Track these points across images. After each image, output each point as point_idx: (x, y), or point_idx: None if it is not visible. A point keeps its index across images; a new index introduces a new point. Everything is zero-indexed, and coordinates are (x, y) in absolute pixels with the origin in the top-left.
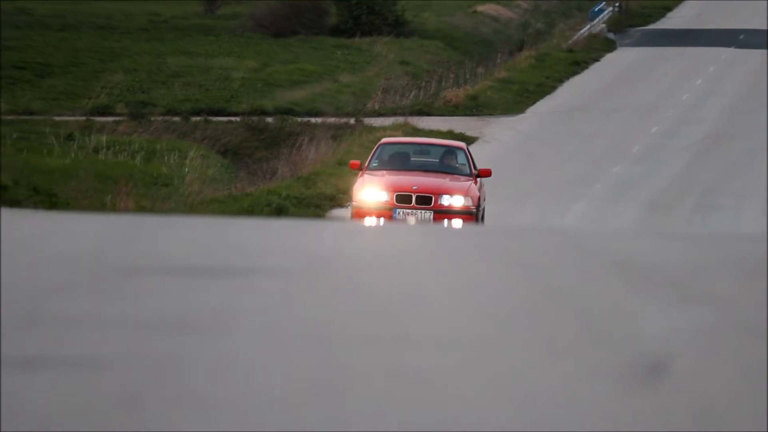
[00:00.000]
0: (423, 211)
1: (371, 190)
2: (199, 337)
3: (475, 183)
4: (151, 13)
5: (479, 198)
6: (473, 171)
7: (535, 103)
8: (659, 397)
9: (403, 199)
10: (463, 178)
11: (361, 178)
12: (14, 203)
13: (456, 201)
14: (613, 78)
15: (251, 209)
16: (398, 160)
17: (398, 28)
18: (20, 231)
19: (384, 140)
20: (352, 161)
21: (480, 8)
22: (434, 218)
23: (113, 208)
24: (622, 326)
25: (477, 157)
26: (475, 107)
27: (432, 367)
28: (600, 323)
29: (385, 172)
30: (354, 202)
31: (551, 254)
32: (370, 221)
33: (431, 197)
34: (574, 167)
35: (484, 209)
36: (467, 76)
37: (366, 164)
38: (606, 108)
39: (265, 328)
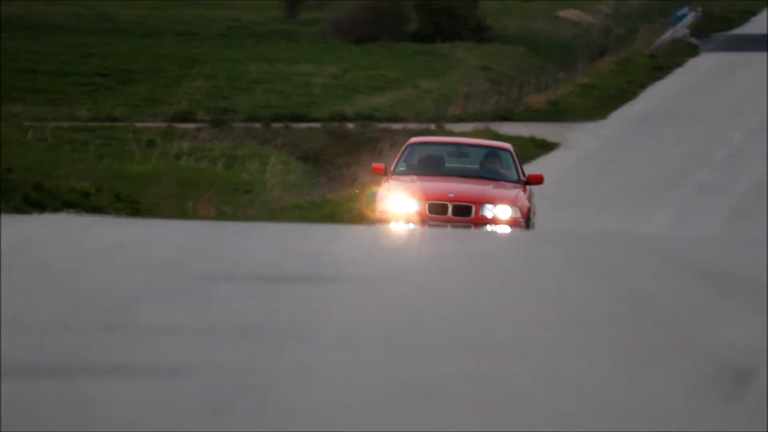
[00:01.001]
0: (460, 224)
1: (398, 198)
2: (282, 344)
3: (524, 191)
4: (230, 19)
5: (529, 209)
6: (521, 177)
7: (617, 108)
8: (744, 406)
9: (436, 209)
10: (509, 184)
11: (386, 184)
12: (97, 210)
13: (501, 212)
14: (696, 83)
15: (332, 216)
16: (431, 164)
17: (479, 33)
18: (103, 238)
19: (413, 140)
20: (375, 164)
21: (561, 13)
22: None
23: (195, 215)
24: (707, 334)
25: (558, 163)
26: (556, 113)
27: (513, 374)
28: (685, 331)
29: (414, 177)
30: (377, 212)
31: (634, 260)
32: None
33: (471, 207)
34: (656, 173)
35: (534, 224)
36: (548, 82)
37: (392, 168)
38: (689, 113)
39: (347, 335)
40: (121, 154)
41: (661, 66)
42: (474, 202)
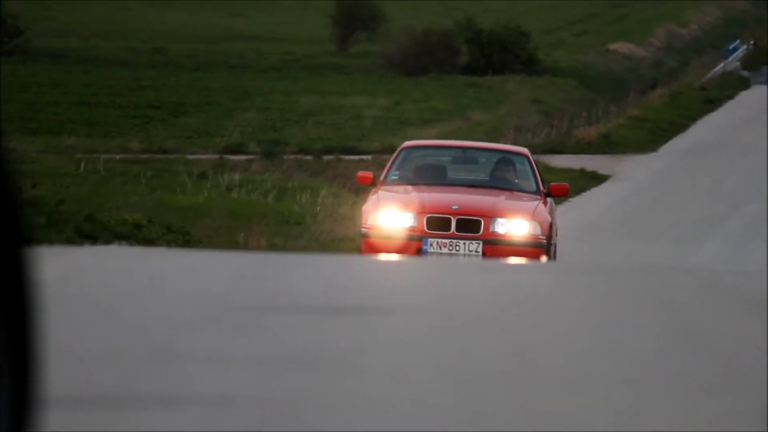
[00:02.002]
0: (467, 242)
1: (391, 212)
2: (330, 375)
3: (545, 204)
4: (283, 52)
5: (551, 225)
6: (541, 187)
7: (668, 141)
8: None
9: (438, 223)
10: (525, 196)
11: (375, 196)
12: (148, 241)
13: (517, 227)
14: (747, 115)
15: None
16: (430, 172)
17: (530, 66)
18: (154, 269)
19: (407, 144)
20: (362, 173)
21: (613, 47)
22: (484, 252)
23: (246, 246)
24: (759, 368)
25: (609, 195)
26: (607, 145)
27: (563, 406)
28: (736, 364)
29: (410, 187)
30: (364, 228)
31: (685, 293)
32: (387, 256)
33: (479, 221)
34: (707, 205)
35: (555, 244)
36: (599, 114)
37: (383, 177)
38: (740, 146)
39: (396, 366)
40: (173, 186)
41: (712, 99)
42: (483, 216)
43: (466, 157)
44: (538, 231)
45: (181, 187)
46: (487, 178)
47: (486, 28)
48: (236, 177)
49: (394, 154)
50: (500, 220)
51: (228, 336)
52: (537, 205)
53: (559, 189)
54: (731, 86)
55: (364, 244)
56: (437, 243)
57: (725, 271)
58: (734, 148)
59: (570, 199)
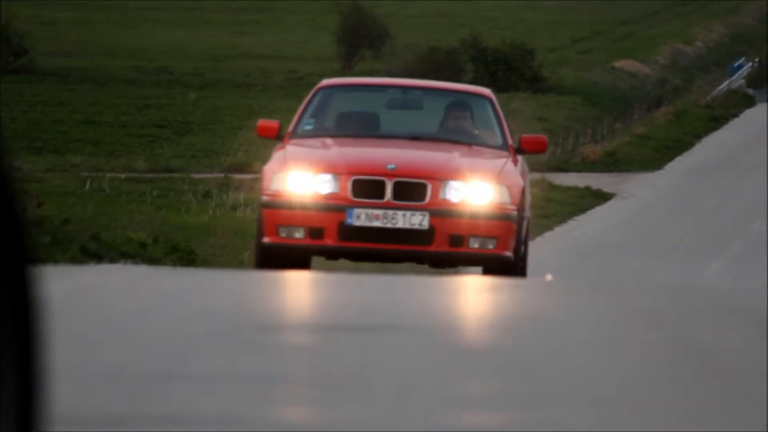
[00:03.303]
0: (408, 213)
1: (301, 173)
2: (337, 394)
3: (514, 163)
4: (288, 70)
5: (523, 191)
6: (509, 141)
7: (673, 159)
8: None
9: (367, 188)
10: (488, 152)
11: (281, 152)
12: (154, 260)
13: (477, 193)
14: (752, 134)
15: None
16: (357, 120)
17: (535, 84)
18: (160, 288)
19: (326, 82)
20: (263, 122)
21: (618, 64)
22: (431, 225)
23: (251, 266)
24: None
25: (614, 213)
26: (612, 163)
27: (570, 427)
28: (746, 385)
29: (329, 140)
30: (265, 196)
31: (692, 312)
32: (296, 231)
33: (424, 185)
34: (713, 224)
35: (528, 218)
36: (605, 132)
37: (291, 127)
38: (745, 164)
39: (403, 386)
40: (178, 205)
41: (717, 117)
42: (429, 178)
43: (407, 99)
44: (506, 198)
45: (186, 206)
46: (435, 129)
47: (491, 46)
48: (241, 196)
49: (308, 96)
50: (453, 184)
51: (234, 355)
52: (504, 163)
53: (533, 142)
54: (736, 104)
55: (266, 217)
56: (366, 214)
57: (732, 289)
58: (739, 166)
59: (575, 218)
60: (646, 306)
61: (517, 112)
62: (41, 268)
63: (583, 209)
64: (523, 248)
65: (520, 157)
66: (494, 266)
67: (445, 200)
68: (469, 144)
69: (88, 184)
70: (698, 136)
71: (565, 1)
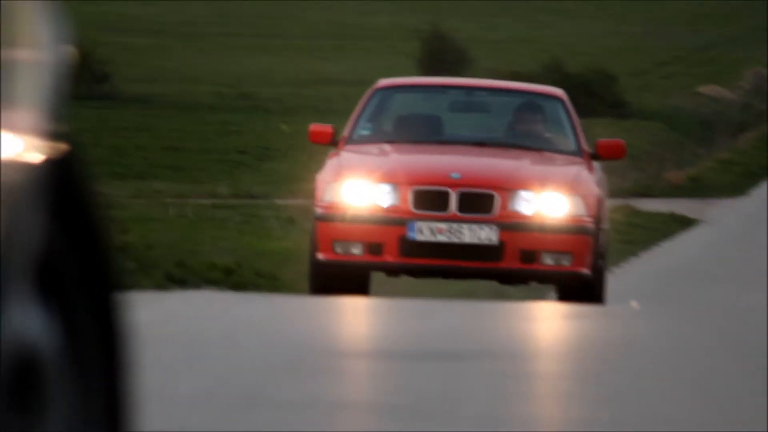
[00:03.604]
0: (475, 226)
1: (359, 183)
2: (420, 422)
3: (590, 170)
4: None
5: (599, 200)
6: (583, 146)
7: (758, 184)
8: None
9: (430, 200)
10: (561, 158)
11: (335, 160)
12: (237, 286)
13: (551, 204)
14: None
15: (471, 292)
16: (418, 125)
17: (617, 109)
18: (244, 314)
19: (383, 83)
20: (315, 126)
21: (701, 89)
22: (501, 240)
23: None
24: None
25: (699, 240)
26: (696, 189)
27: None
28: None
29: (388, 146)
30: (319, 208)
31: None
32: (353, 246)
33: (492, 196)
34: None
35: (606, 230)
36: (688, 158)
37: (347, 132)
38: None
39: (489, 414)
40: (261, 231)
41: None
42: (498, 188)
43: (471, 102)
44: (582, 209)
45: (269, 233)
46: (502, 134)
47: (573, 71)
48: None
49: (364, 98)
50: (524, 194)
51: (319, 381)
52: (579, 170)
53: (611, 147)
54: None
55: (320, 231)
56: (430, 228)
57: None
58: None
59: (659, 243)
60: (732, 332)
61: (600, 138)
62: (127, 294)
63: (668, 235)
64: (601, 263)
65: (596, 164)
66: (570, 284)
67: (515, 212)
68: (541, 150)
69: (171, 210)
70: None
71: (647, 27)
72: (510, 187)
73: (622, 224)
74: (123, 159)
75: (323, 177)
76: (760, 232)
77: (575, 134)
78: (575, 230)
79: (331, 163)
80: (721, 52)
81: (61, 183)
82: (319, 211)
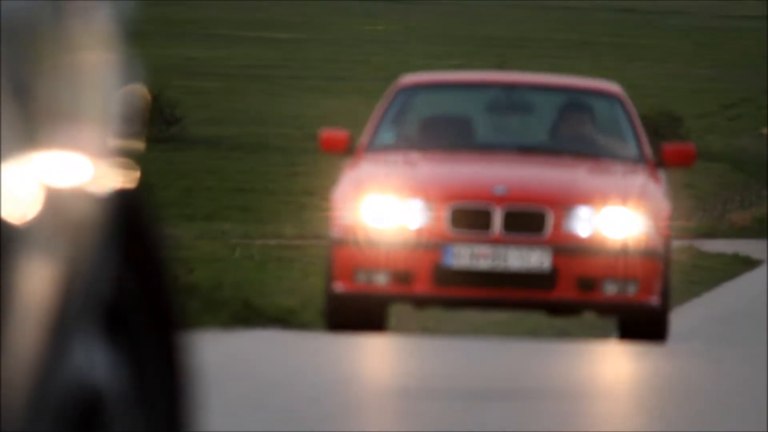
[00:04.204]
0: (523, 250)
1: (383, 200)
2: None
3: (656, 180)
4: None
5: (669, 216)
6: (646, 151)
7: None
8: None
9: (470, 219)
10: (620, 166)
11: (354, 173)
12: (303, 326)
13: (612, 221)
14: None
15: (535, 330)
16: (449, 129)
17: None
18: (309, 353)
19: (408, 79)
20: (328, 132)
21: (766, 130)
22: (554, 266)
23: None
24: None
25: (763, 280)
26: (761, 229)
27: None
28: None
29: (416, 154)
30: (337, 230)
31: None
32: (378, 275)
33: (543, 214)
34: None
35: (670, 249)
36: (753, 199)
37: (366, 138)
38: None
39: None
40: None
41: None
42: (549, 203)
43: (512, 100)
44: (650, 228)
45: None
46: (550, 138)
47: (639, 112)
48: None
49: (386, 99)
50: (581, 211)
51: (383, 421)
52: (645, 182)
53: (679, 153)
54: None
55: (338, 257)
56: (470, 252)
57: None
58: None
59: (722, 284)
60: None
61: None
62: (193, 333)
63: (732, 276)
64: (668, 292)
65: (661, 174)
66: (635, 316)
67: (570, 233)
68: (597, 156)
69: (237, 250)
70: None
71: (714, 69)
72: (565, 202)
73: (686, 265)
74: (191, 200)
75: (340, 193)
76: None
77: (636, 137)
78: (643, 253)
79: (349, 177)
80: None
81: (130, 221)
82: (336, 233)
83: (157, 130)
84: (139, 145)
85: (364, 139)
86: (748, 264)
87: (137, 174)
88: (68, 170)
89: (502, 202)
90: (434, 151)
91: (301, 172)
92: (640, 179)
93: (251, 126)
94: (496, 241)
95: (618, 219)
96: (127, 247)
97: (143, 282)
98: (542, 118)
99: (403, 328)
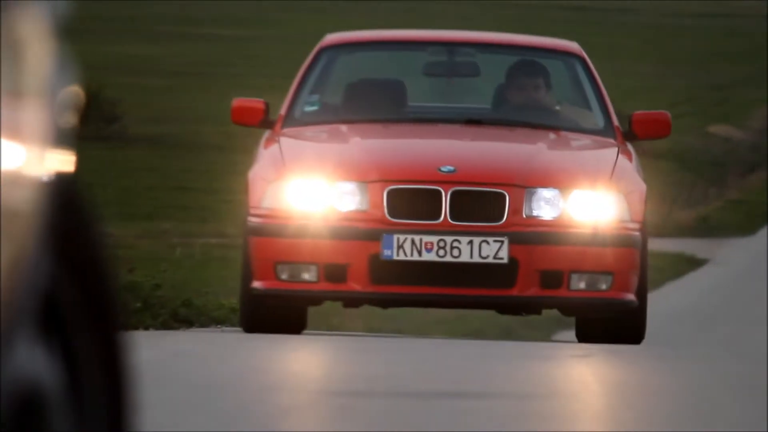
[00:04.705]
0: (475, 239)
1: (308, 182)
2: None
3: (628, 156)
4: None
5: (643, 198)
6: (614, 121)
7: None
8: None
9: (412, 203)
10: (587, 139)
11: (273, 149)
12: None
13: (580, 204)
14: None
15: (481, 331)
16: (382, 97)
17: None
18: (252, 354)
19: (331, 38)
20: (240, 101)
21: (712, 129)
22: (512, 256)
23: (341, 328)
24: None
25: (708, 279)
26: (706, 228)
27: None
28: None
29: (344, 127)
30: (254, 218)
31: None
32: (304, 271)
33: (501, 196)
34: None
35: (646, 235)
36: (700, 197)
37: (286, 109)
38: None
39: None
40: None
41: None
42: (507, 184)
43: (455, 62)
44: (625, 213)
45: None
46: (502, 106)
47: None
48: None
49: (307, 62)
50: (544, 193)
51: (326, 421)
52: (615, 157)
53: (651, 123)
54: None
55: (256, 250)
56: (413, 242)
57: None
58: None
59: (668, 283)
60: (740, 373)
61: None
62: (133, 333)
63: (677, 275)
64: (646, 286)
65: (631, 147)
66: (608, 315)
67: (531, 219)
68: (558, 128)
69: (178, 250)
70: None
71: (659, 67)
72: (524, 183)
73: None
74: (132, 199)
75: (259, 174)
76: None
77: (602, 105)
78: (618, 242)
79: (267, 154)
80: (733, 93)
81: (66, 219)
82: (253, 222)
83: (97, 129)
84: (74, 141)
85: (283, 109)
86: (693, 263)
87: (74, 171)
88: (5, 159)
89: (451, 183)
90: (366, 123)
91: (242, 170)
92: (609, 154)
93: (192, 124)
94: (443, 229)
95: (587, 202)
96: (65, 243)
97: (81, 279)
98: (492, 82)
99: (340, 327)
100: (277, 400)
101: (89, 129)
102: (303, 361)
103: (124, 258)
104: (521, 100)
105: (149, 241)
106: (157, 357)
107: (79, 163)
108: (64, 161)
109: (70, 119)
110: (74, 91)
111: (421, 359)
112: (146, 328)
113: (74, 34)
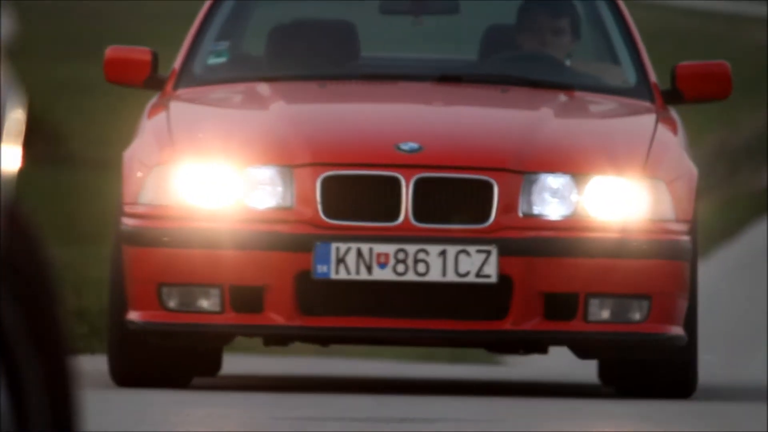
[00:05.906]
0: (450, 247)
1: (207, 167)
2: None
3: (671, 128)
4: None
5: (696, 187)
6: (650, 78)
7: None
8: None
9: (356, 197)
10: (610, 102)
11: (160, 118)
12: None
13: (601, 196)
14: None
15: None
16: (319, 44)
17: None
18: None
19: None
20: (114, 50)
21: None
22: (503, 272)
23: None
24: None
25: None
26: None
27: None
28: None
29: (265, 87)
30: (130, 219)
31: None
32: (202, 297)
33: (486, 185)
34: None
35: (695, 239)
36: None
37: (180, 63)
38: None
39: None
40: None
41: None
42: (494, 168)
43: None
44: (668, 209)
45: None
46: (489, 58)
47: None
48: None
49: (205, 7)
50: (548, 180)
51: None
52: (653, 128)
53: (703, 78)
54: None
55: (131, 263)
56: (359, 255)
57: None
58: None
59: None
60: None
61: None
62: (79, 358)
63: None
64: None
65: (675, 114)
66: (646, 357)
67: (531, 217)
68: (569, 88)
69: None
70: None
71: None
72: (522, 166)
73: None
74: (78, 223)
75: (135, 156)
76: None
77: (635, 54)
78: (657, 251)
79: (151, 127)
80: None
81: (12, 244)
82: (128, 225)
83: (43, 151)
84: (19, 161)
85: (177, 62)
86: None
87: (17, 194)
88: None
89: (414, 167)
90: (296, 82)
91: None
92: (644, 124)
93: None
94: (403, 235)
95: (611, 193)
96: (11, 267)
97: (27, 304)
98: (478, 22)
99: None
100: (252, 424)
101: (35, 151)
102: (254, 384)
103: (70, 282)
104: (523, 49)
105: (96, 265)
106: (104, 383)
107: (25, 187)
108: (7, 184)
109: (15, 141)
110: (19, 113)
111: (368, 384)
112: (92, 353)
113: (17, 55)
